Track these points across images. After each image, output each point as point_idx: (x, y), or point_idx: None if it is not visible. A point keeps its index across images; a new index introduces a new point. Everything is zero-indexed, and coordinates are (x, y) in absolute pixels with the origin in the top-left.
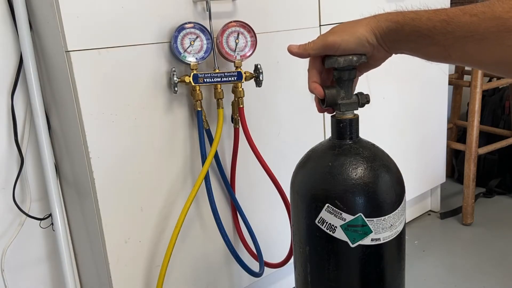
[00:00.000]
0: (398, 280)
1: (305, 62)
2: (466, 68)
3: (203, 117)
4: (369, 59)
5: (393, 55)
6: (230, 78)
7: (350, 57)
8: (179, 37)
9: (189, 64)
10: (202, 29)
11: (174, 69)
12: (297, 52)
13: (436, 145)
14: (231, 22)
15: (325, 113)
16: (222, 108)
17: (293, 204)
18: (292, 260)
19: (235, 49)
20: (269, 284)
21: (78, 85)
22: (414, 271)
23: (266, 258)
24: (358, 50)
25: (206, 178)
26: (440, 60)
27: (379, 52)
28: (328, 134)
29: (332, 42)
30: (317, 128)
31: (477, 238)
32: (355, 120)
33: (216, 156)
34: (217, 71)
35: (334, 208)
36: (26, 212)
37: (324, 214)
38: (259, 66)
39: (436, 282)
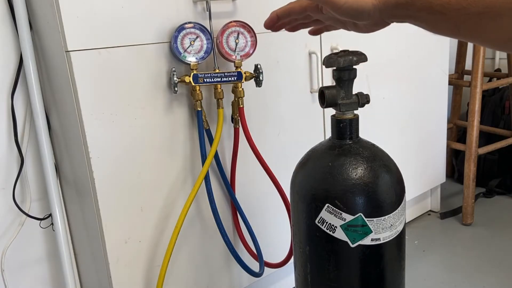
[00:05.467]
0: (398, 280)
1: (305, 61)
2: (466, 67)
3: (203, 117)
4: (358, 25)
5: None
6: (230, 78)
7: (350, 57)
8: (179, 37)
9: (189, 64)
10: (202, 29)
11: (174, 69)
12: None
13: (436, 145)
14: (231, 22)
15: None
16: (222, 108)
17: (293, 204)
18: (292, 260)
19: (235, 49)
20: (269, 284)
21: (78, 85)
22: (414, 271)
23: (266, 258)
24: (355, 17)
25: (206, 178)
26: (446, 35)
27: (373, 24)
28: (328, 134)
29: None
30: (317, 128)
31: (477, 238)
32: (355, 120)
33: (216, 156)
34: (217, 71)
35: (334, 208)
36: (26, 212)
37: (324, 214)
38: (259, 66)
39: (436, 282)
